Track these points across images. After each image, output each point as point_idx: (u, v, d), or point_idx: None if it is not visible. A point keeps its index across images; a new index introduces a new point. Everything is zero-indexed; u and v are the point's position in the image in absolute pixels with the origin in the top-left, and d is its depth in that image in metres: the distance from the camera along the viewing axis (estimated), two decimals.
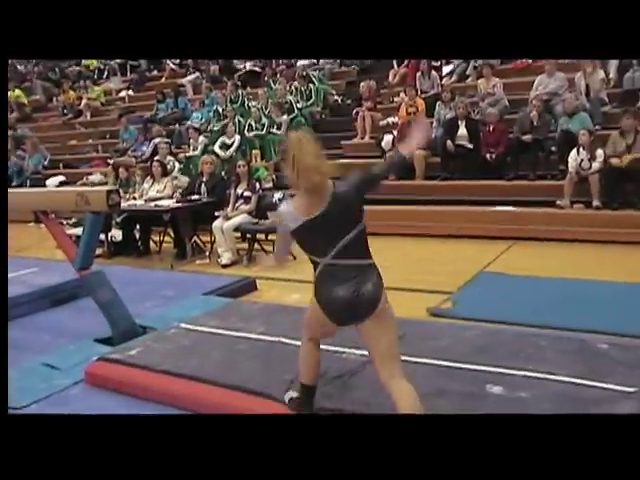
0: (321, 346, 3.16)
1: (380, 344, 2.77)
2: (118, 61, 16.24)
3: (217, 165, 8.61)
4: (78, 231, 6.56)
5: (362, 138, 9.56)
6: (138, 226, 8.21)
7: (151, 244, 8.30)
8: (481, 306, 4.98)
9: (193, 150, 10.30)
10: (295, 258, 4.60)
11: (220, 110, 11.15)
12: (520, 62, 9.56)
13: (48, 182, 11.58)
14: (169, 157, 9.57)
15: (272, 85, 11.41)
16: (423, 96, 9.41)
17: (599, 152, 7.00)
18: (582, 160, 7.05)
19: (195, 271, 7.00)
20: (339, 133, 9.51)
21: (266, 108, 10.45)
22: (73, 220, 8.56)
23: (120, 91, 15.49)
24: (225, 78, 12.62)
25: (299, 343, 3.12)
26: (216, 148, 9.93)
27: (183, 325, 4.50)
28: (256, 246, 7.24)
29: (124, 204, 6.47)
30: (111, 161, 11.02)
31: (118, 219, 8.04)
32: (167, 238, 8.23)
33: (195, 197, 7.81)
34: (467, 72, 9.91)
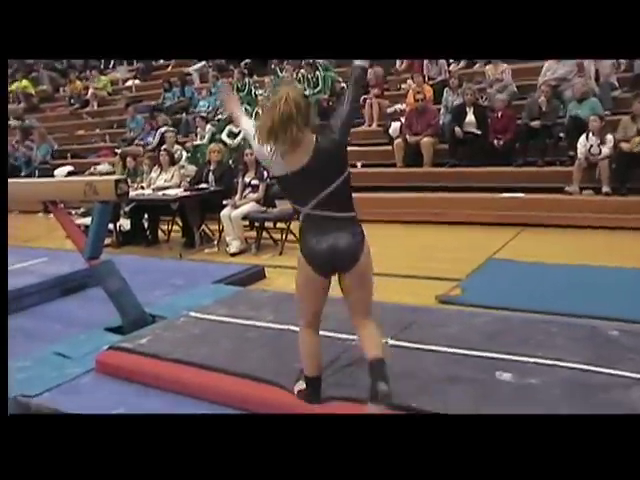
0: (331, 334, 3.16)
1: (354, 296, 2.92)
2: None
3: (224, 153, 8.61)
4: (87, 221, 6.57)
5: (369, 125, 9.56)
6: (146, 215, 8.22)
7: (159, 233, 8.32)
8: (490, 293, 4.98)
9: (200, 139, 10.30)
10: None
11: None
12: None
13: (56, 172, 11.62)
14: (176, 146, 9.58)
15: (279, 73, 11.36)
16: (430, 83, 9.38)
17: (609, 137, 6.98)
18: (591, 146, 7.01)
19: (204, 260, 7.02)
20: None
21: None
22: (81, 210, 8.60)
23: (127, 80, 15.49)
24: (232, 66, 12.59)
25: None
26: (223, 136, 9.93)
27: (193, 314, 4.50)
28: (264, 234, 7.23)
29: (132, 193, 6.45)
30: (119, 151, 11.01)
31: (126, 208, 8.05)
32: (175, 227, 8.24)
33: (203, 186, 7.82)
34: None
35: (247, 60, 12.53)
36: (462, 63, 9.90)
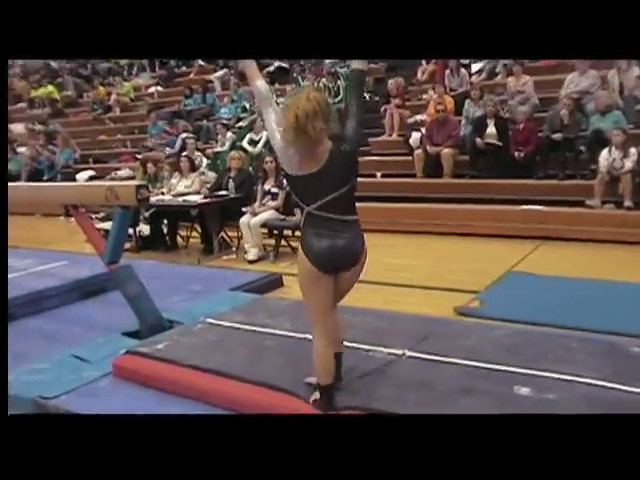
0: (349, 344, 3.15)
1: (344, 290, 3.07)
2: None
3: (245, 161, 8.64)
4: (107, 225, 6.62)
5: (390, 135, 9.55)
6: (166, 221, 8.27)
7: (178, 239, 8.36)
8: (509, 306, 4.95)
9: (221, 146, 10.36)
10: None
11: (248, 106, 11.21)
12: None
13: (78, 176, 11.75)
14: (197, 153, 9.65)
15: (300, 82, 11.41)
16: (452, 94, 9.35)
17: (632, 150, 6.91)
18: (614, 159, 6.94)
19: (222, 266, 7.04)
20: (367, 130, 9.43)
21: None
22: (101, 214, 8.66)
23: (149, 87, 15.64)
24: None
25: None
26: (244, 144, 9.96)
27: (210, 320, 4.51)
28: (283, 242, 7.24)
29: (152, 199, 6.51)
30: (140, 156, 11.11)
31: (146, 214, 8.11)
32: (194, 233, 8.27)
33: (223, 193, 7.85)
34: (496, 70, 9.83)
35: (269, 69, 12.61)
36: (484, 74, 9.88)
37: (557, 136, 7.60)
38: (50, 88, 16.84)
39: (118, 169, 11.67)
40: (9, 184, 8.97)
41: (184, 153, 9.35)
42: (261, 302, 5.09)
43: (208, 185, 8.31)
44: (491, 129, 8.09)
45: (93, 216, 8.28)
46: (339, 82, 10.61)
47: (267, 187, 7.40)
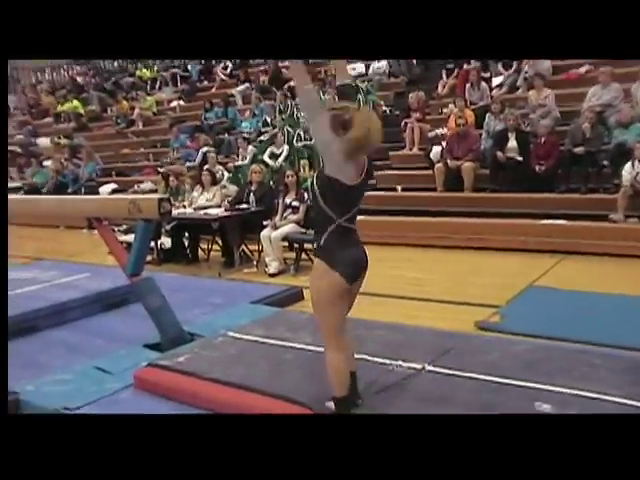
0: (368, 357, 3.15)
1: (353, 300, 3.18)
2: (170, 72, 16.62)
3: (266, 174, 8.69)
4: (129, 238, 6.70)
5: (410, 149, 9.56)
6: (187, 234, 8.34)
7: (199, 252, 8.41)
8: (530, 321, 4.92)
9: (242, 159, 10.44)
10: None
11: (269, 120, 11.29)
12: (573, 72, 9.41)
13: (101, 190, 11.93)
14: (218, 166, 9.74)
15: (321, 96, 11.47)
16: (472, 107, 9.35)
17: None
18: (637, 173, 6.89)
19: (242, 279, 7.07)
20: (387, 144, 9.45)
21: None
22: (124, 227, 8.75)
23: (171, 101, 15.80)
24: (274, 88, 12.77)
25: None
26: (265, 158, 10.04)
27: (230, 333, 4.54)
28: (303, 256, 7.26)
29: (174, 212, 6.54)
30: (162, 169, 11.23)
31: (168, 227, 8.18)
32: (215, 246, 8.33)
33: (244, 206, 7.90)
34: (517, 83, 9.79)
35: (290, 83, 12.69)
36: (505, 88, 9.86)
37: (579, 150, 7.55)
38: (75, 103, 17.12)
39: (141, 182, 11.80)
40: (35, 197, 9.16)
41: (206, 167, 9.43)
42: (281, 315, 5.12)
43: (229, 198, 8.36)
44: (512, 143, 8.07)
45: (116, 229, 8.38)
46: (359, 96, 10.63)
47: (288, 200, 7.44)
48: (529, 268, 6.48)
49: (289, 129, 10.54)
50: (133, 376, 4.06)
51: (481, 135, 8.75)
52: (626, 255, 6.55)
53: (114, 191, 11.72)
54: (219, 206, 8.11)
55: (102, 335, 5.18)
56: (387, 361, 3.71)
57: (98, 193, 11.33)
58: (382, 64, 11.63)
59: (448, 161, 8.49)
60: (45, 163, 14.64)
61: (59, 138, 15.63)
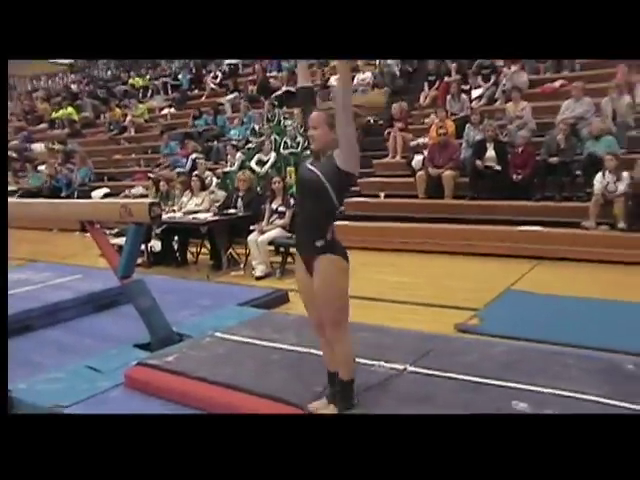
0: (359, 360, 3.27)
1: None
2: (161, 80, 16.84)
3: (253, 181, 8.80)
4: (120, 241, 6.72)
5: (393, 157, 9.72)
6: (176, 237, 8.43)
7: (188, 255, 8.50)
8: (508, 323, 5.02)
9: (230, 166, 10.56)
10: None
11: (257, 128, 11.47)
12: (548, 86, 9.63)
13: (93, 194, 12.04)
14: (207, 172, 9.87)
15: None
16: (453, 118, 9.54)
17: (624, 174, 7.07)
18: (608, 183, 7.11)
19: (230, 282, 7.15)
20: (371, 152, 9.67)
21: (301, 127, 10.66)
22: (116, 230, 8.84)
23: (162, 109, 15.98)
24: (262, 98, 12.98)
25: None
26: (252, 164, 10.17)
27: (218, 334, 4.57)
28: (289, 259, 7.31)
29: (164, 216, 6.59)
30: (152, 175, 11.35)
31: (158, 230, 8.27)
32: (204, 250, 8.43)
33: (231, 211, 8.05)
34: (496, 96, 10.01)
35: (278, 92, 12.92)
36: (484, 100, 10.06)
37: (554, 160, 7.78)
38: (70, 110, 17.30)
39: (132, 187, 11.91)
40: (29, 200, 9.24)
41: (195, 172, 9.55)
42: (268, 317, 5.16)
43: (217, 203, 8.49)
44: (490, 152, 8.27)
45: (107, 232, 8.54)
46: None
47: (274, 206, 7.54)
48: (506, 272, 6.61)
49: (276, 137, 10.71)
50: (123, 375, 4.10)
51: (461, 145, 8.92)
52: (597, 260, 6.71)
53: (106, 195, 11.80)
54: (208, 211, 8.24)
55: (93, 335, 5.23)
56: (370, 362, 3.74)
57: (91, 197, 11.44)
58: (367, 75, 11.78)
59: (429, 169, 8.67)
60: (39, 168, 14.79)
61: (53, 144, 15.78)
